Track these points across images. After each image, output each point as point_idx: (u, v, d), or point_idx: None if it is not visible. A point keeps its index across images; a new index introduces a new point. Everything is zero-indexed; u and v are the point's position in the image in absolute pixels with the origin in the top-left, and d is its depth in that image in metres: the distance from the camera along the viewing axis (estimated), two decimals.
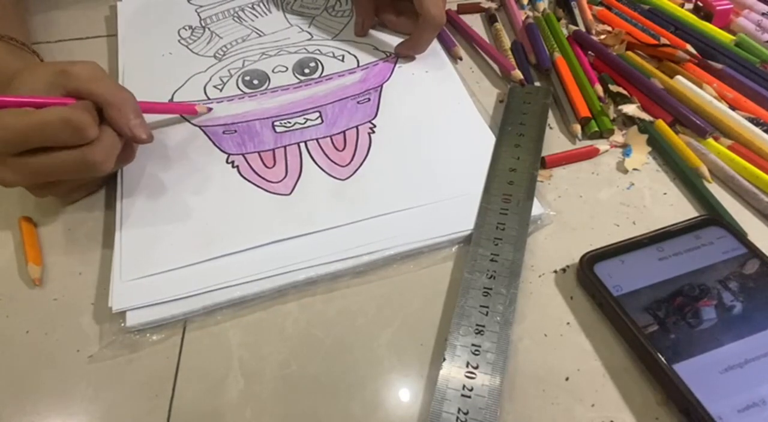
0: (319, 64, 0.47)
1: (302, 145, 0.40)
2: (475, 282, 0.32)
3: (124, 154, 0.35)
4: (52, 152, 0.31)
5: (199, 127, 0.42)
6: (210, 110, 0.43)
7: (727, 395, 0.26)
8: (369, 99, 0.44)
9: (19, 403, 0.29)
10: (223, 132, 0.42)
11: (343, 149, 0.40)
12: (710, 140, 0.40)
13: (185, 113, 0.42)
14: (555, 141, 0.42)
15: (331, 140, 0.41)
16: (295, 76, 0.46)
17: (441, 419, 0.26)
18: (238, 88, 0.45)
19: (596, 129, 0.41)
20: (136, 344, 0.31)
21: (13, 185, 0.32)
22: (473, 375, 0.28)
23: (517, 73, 0.45)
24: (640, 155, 0.40)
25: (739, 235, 0.33)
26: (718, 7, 0.50)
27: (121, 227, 0.35)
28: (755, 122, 0.40)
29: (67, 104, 0.32)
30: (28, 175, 0.32)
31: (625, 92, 0.43)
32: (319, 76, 0.46)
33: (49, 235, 0.36)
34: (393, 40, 0.49)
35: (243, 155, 0.40)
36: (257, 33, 0.51)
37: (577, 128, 0.41)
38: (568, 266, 0.34)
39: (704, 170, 0.38)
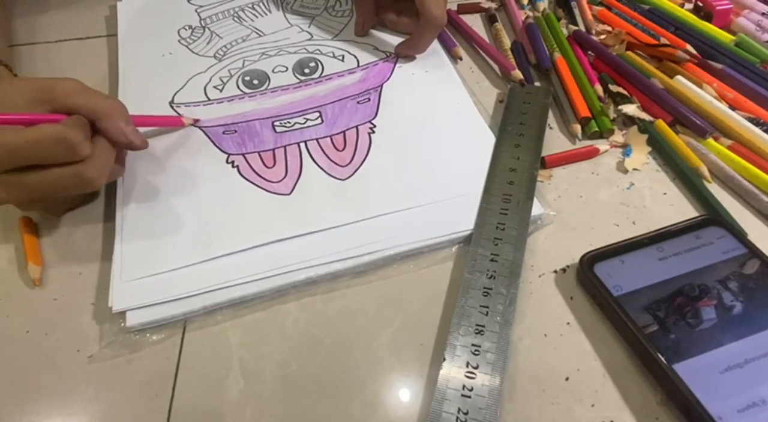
0: (319, 64, 0.47)
1: (302, 145, 0.40)
2: (475, 282, 0.32)
3: (114, 168, 0.35)
4: (44, 169, 0.30)
5: (199, 127, 0.42)
6: (196, 121, 0.42)
7: (727, 395, 0.26)
8: (369, 99, 0.44)
9: (19, 403, 0.29)
10: (223, 132, 0.42)
11: (343, 148, 0.40)
12: (710, 140, 0.40)
13: (172, 125, 0.42)
14: (555, 141, 0.42)
15: (331, 139, 0.41)
16: (295, 76, 0.46)
17: (441, 419, 0.26)
18: (238, 88, 0.45)
19: (596, 129, 0.41)
20: (136, 344, 0.31)
21: (3, 202, 0.32)
22: (473, 375, 0.28)
23: (517, 73, 0.45)
24: (640, 155, 0.40)
25: (739, 235, 0.33)
26: (718, 7, 0.50)
27: (122, 227, 0.35)
28: (755, 122, 0.40)
29: (58, 121, 0.31)
30: (19, 192, 0.31)
31: (625, 92, 0.43)
32: (319, 76, 0.46)
33: (49, 235, 0.36)
34: (393, 40, 0.49)
35: (243, 155, 0.40)
36: (257, 33, 0.51)
37: (577, 128, 0.41)
38: (568, 266, 0.34)
39: (704, 170, 0.38)
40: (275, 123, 0.42)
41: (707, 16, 0.51)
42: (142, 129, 0.40)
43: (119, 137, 0.33)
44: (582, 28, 0.50)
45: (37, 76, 0.34)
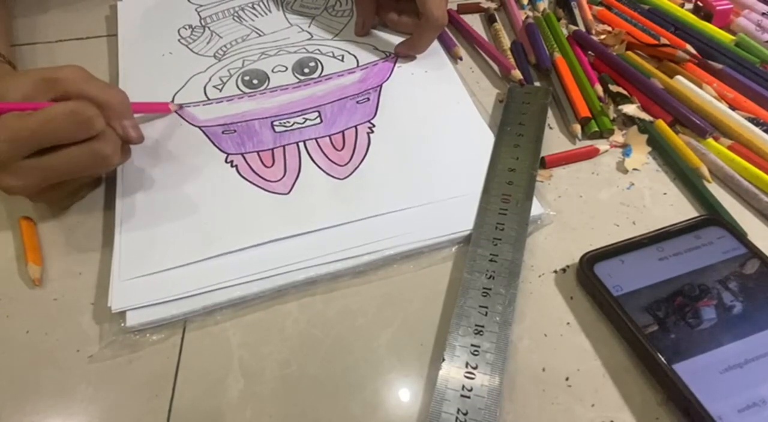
0: (319, 64, 0.47)
1: (301, 144, 0.40)
2: (475, 282, 0.32)
3: (123, 151, 0.35)
4: (62, 149, 0.31)
5: (199, 127, 0.42)
6: (181, 107, 0.43)
7: (727, 395, 0.26)
8: (368, 99, 0.44)
9: (19, 403, 0.29)
10: (223, 132, 0.42)
11: (342, 148, 0.40)
12: (710, 140, 0.40)
13: (159, 111, 0.42)
14: (555, 141, 0.42)
15: (330, 139, 0.41)
16: (295, 76, 0.46)
17: (440, 419, 0.26)
18: (238, 88, 0.45)
19: (596, 129, 0.41)
20: (136, 344, 0.31)
21: (19, 192, 0.32)
22: (472, 376, 0.28)
23: (516, 73, 0.45)
24: (640, 155, 0.40)
25: (739, 235, 0.33)
26: (718, 7, 0.50)
27: (121, 226, 0.35)
28: (755, 122, 0.40)
29: None
30: (37, 177, 0.31)
31: (625, 92, 0.43)
32: (319, 76, 0.46)
33: (49, 235, 0.36)
34: (393, 40, 0.49)
35: (242, 154, 0.40)
36: (257, 33, 0.51)
37: (577, 128, 0.41)
38: (568, 266, 0.34)
39: (704, 170, 0.38)
40: (274, 123, 0.42)
41: (707, 16, 0.51)
42: (150, 120, 0.41)
43: (116, 129, 0.33)
44: (582, 28, 0.50)
45: (40, 68, 0.34)
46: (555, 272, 0.34)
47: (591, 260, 0.32)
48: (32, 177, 0.31)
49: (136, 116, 0.36)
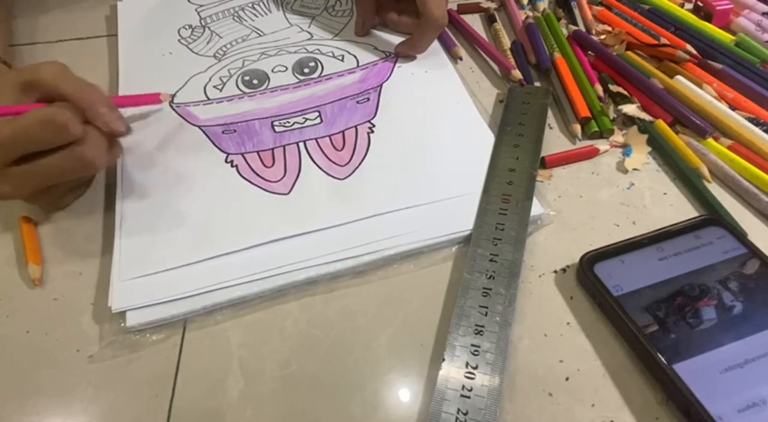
0: (319, 64, 0.47)
1: (301, 144, 0.40)
2: (475, 283, 0.32)
3: (111, 150, 0.35)
4: (44, 155, 0.30)
5: (199, 127, 0.42)
6: (172, 96, 0.43)
7: (727, 395, 0.26)
8: (368, 99, 0.44)
9: (19, 403, 0.29)
10: (223, 132, 0.42)
11: (342, 148, 0.40)
12: (710, 140, 0.40)
13: (150, 103, 0.42)
14: (555, 141, 0.42)
15: (330, 139, 0.41)
16: (295, 76, 0.46)
17: (440, 419, 0.26)
18: (238, 88, 0.45)
19: (596, 129, 0.41)
20: (136, 344, 0.31)
21: (13, 197, 0.32)
22: (472, 376, 0.28)
23: (516, 73, 0.45)
24: (640, 155, 0.40)
25: (739, 235, 0.33)
26: (718, 7, 0.50)
27: (121, 226, 0.35)
28: (755, 122, 0.40)
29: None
30: (24, 183, 0.31)
31: (625, 92, 0.43)
32: (319, 76, 0.46)
33: (49, 235, 0.36)
34: (393, 40, 0.49)
35: (242, 154, 0.40)
36: (257, 33, 0.51)
37: (577, 128, 0.41)
38: (568, 266, 0.34)
39: (704, 170, 0.38)
40: (274, 123, 0.42)
41: (707, 16, 0.51)
42: (150, 120, 0.41)
43: (99, 124, 0.32)
44: (582, 28, 0.50)
45: (22, 68, 0.34)
46: (555, 272, 0.34)
47: (591, 260, 0.32)
48: (21, 183, 0.31)
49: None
